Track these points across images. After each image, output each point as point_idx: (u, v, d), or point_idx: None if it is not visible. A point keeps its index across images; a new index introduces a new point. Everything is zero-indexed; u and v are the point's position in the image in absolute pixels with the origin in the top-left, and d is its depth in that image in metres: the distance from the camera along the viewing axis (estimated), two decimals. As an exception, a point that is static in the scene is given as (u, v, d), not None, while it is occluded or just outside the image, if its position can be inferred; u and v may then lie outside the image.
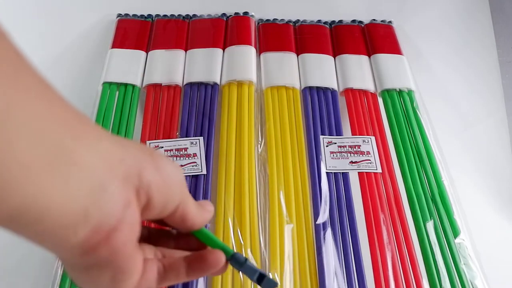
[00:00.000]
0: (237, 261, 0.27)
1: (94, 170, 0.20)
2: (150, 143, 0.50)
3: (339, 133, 0.52)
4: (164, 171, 0.23)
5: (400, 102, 0.55)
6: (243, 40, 0.59)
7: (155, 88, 0.55)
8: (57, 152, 0.18)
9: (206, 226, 0.28)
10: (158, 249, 0.27)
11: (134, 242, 0.22)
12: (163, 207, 0.24)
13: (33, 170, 0.17)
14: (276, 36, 0.61)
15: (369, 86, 0.57)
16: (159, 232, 0.29)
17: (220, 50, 0.59)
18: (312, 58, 0.59)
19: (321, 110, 0.54)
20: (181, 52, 0.58)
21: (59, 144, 0.18)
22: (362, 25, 0.64)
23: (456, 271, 0.43)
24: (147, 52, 0.59)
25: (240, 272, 0.28)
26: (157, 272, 0.26)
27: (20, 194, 0.17)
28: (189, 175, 0.48)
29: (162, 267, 0.26)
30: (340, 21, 0.65)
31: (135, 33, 0.61)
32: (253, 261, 0.43)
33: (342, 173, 0.49)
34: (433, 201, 0.47)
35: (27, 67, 0.19)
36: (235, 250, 0.43)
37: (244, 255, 0.28)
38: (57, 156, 0.18)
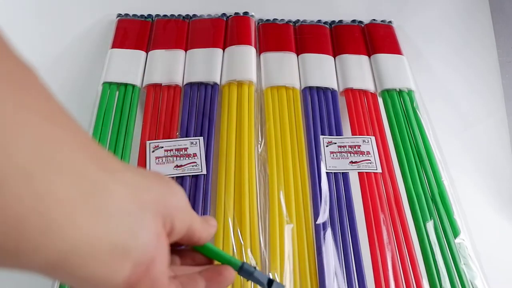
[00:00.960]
0: (246, 271, 0.27)
1: (128, 203, 0.19)
2: (150, 143, 0.50)
3: (339, 133, 0.52)
4: (178, 196, 0.23)
5: (400, 102, 0.55)
6: (243, 40, 0.59)
7: (155, 88, 0.55)
8: (93, 188, 0.18)
9: None
10: (169, 269, 0.27)
11: (167, 270, 0.22)
12: (180, 231, 0.24)
13: (74, 210, 0.17)
14: (276, 36, 0.61)
15: (369, 86, 0.57)
16: None
17: (220, 50, 0.59)
18: (312, 58, 0.59)
19: (321, 110, 0.54)
20: (181, 52, 0.58)
21: (94, 179, 0.18)
22: (362, 25, 0.64)
23: (456, 271, 0.43)
24: (147, 52, 0.59)
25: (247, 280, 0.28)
26: None
27: (62, 238, 0.16)
28: (189, 175, 0.48)
29: (181, 285, 0.25)
30: (340, 21, 0.65)
31: (135, 33, 0.61)
32: (253, 261, 0.43)
33: (342, 173, 0.49)
34: (433, 201, 0.47)
35: (53, 99, 0.18)
36: (235, 250, 0.43)
37: (251, 264, 0.28)
38: (94, 192, 0.18)
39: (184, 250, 0.28)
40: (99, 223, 0.18)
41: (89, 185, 0.18)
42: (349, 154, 0.50)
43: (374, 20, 0.65)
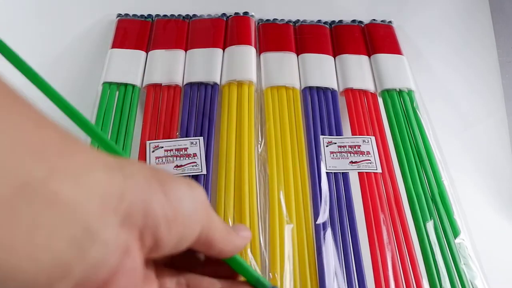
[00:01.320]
0: None
1: (80, 212, 0.15)
2: (150, 143, 0.50)
3: (339, 133, 0.52)
4: (177, 199, 0.19)
5: (400, 102, 0.55)
6: (243, 40, 0.59)
7: (155, 88, 0.55)
8: (24, 191, 0.14)
9: None
10: (181, 275, 0.23)
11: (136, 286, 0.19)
12: (177, 243, 0.20)
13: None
14: (276, 36, 0.61)
15: (369, 86, 0.57)
16: (184, 254, 0.23)
17: (220, 50, 0.59)
18: (312, 58, 0.59)
19: (321, 110, 0.54)
20: (181, 52, 0.58)
21: (27, 179, 0.14)
22: (362, 25, 0.64)
23: (456, 271, 0.43)
24: (147, 52, 0.59)
25: None
26: None
27: None
28: (189, 175, 0.48)
29: None
30: (340, 21, 0.65)
31: (135, 33, 0.61)
32: (253, 261, 0.43)
33: (342, 173, 0.49)
34: (433, 201, 0.47)
35: None
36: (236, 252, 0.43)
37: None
38: (24, 196, 0.14)
39: (209, 259, 0.24)
40: (26, 238, 0.14)
41: (20, 189, 0.14)
42: (349, 154, 0.50)
43: (374, 20, 0.65)
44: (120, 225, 0.17)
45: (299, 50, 0.60)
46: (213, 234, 0.21)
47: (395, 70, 0.58)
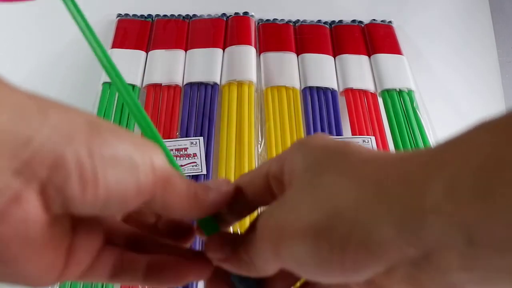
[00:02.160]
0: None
1: None
2: (150, 143, 0.50)
3: (339, 133, 0.52)
4: (105, 157, 0.16)
5: (400, 102, 0.55)
6: (243, 40, 0.59)
7: (155, 88, 0.55)
8: None
9: None
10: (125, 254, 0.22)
11: (29, 243, 0.17)
12: (104, 207, 0.17)
13: None
14: (276, 36, 0.61)
15: (369, 86, 0.57)
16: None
17: (220, 50, 0.59)
18: (312, 58, 0.59)
19: (321, 110, 0.54)
20: (181, 52, 0.58)
21: None
22: (362, 25, 0.64)
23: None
24: (147, 52, 0.59)
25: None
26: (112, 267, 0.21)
27: None
28: (189, 175, 0.48)
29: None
30: (340, 21, 0.65)
31: (135, 33, 0.61)
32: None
33: (342, 173, 0.49)
34: (433, 201, 0.47)
35: None
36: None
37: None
38: None
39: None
40: None
41: None
42: (349, 154, 0.50)
43: (374, 20, 0.65)
44: (14, 173, 0.15)
45: (299, 50, 0.60)
46: (171, 201, 0.19)
47: (395, 70, 0.58)
